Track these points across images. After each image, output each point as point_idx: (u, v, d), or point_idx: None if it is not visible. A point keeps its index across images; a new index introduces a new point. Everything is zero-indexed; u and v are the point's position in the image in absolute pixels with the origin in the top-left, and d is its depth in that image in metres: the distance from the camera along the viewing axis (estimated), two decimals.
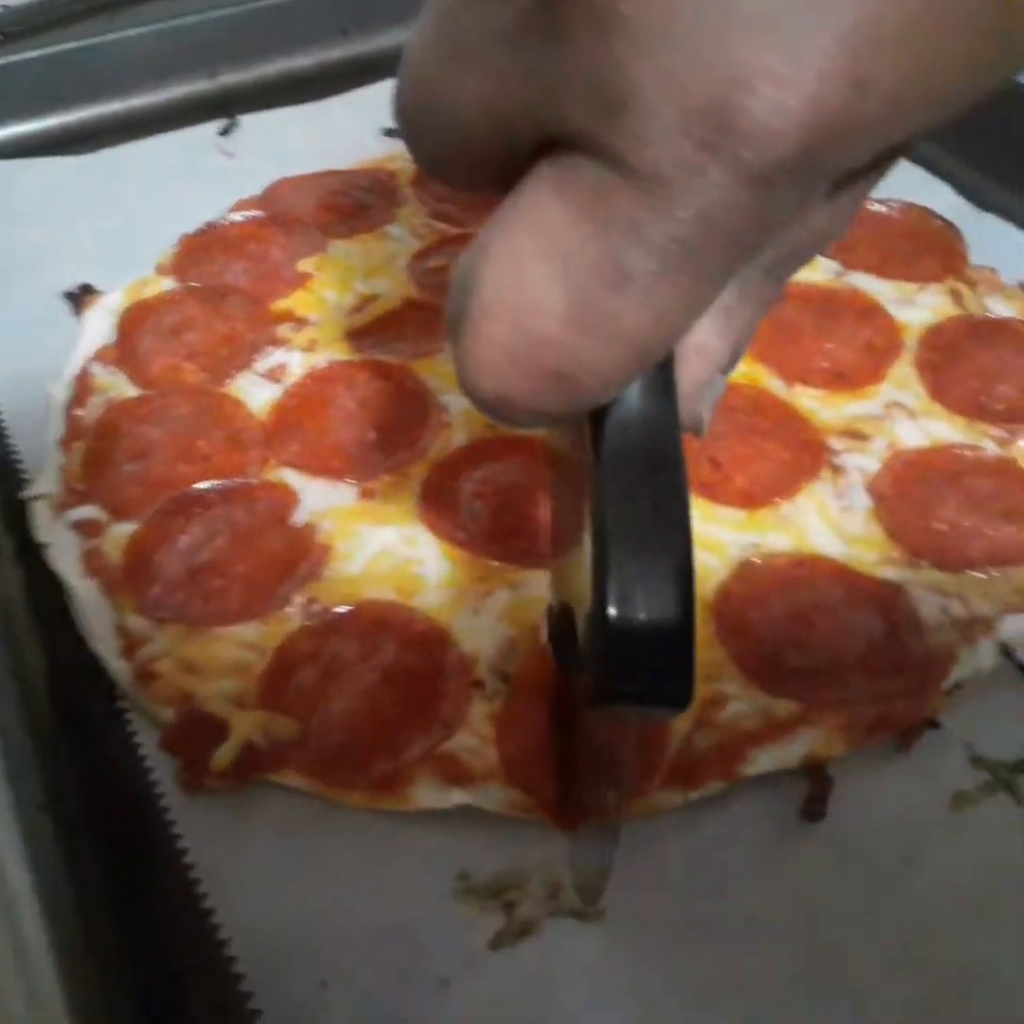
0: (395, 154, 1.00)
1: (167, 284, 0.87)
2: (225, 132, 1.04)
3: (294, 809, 0.57)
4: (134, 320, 0.82)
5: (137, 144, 1.03)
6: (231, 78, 1.14)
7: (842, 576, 0.66)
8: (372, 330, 0.81)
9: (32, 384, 0.77)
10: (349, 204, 0.93)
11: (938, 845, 0.56)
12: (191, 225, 0.91)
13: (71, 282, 0.87)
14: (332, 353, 0.80)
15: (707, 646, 0.62)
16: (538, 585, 0.66)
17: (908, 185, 0.96)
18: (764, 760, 0.58)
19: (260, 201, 0.94)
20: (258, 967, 0.50)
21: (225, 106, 1.08)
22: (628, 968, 0.52)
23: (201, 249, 0.89)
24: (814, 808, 0.57)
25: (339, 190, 0.94)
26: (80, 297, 0.86)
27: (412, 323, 0.82)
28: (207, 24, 1.11)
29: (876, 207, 0.92)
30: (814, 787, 0.58)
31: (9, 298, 0.86)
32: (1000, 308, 0.84)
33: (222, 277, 0.87)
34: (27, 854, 0.48)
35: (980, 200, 0.94)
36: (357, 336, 0.81)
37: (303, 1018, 0.49)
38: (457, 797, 0.56)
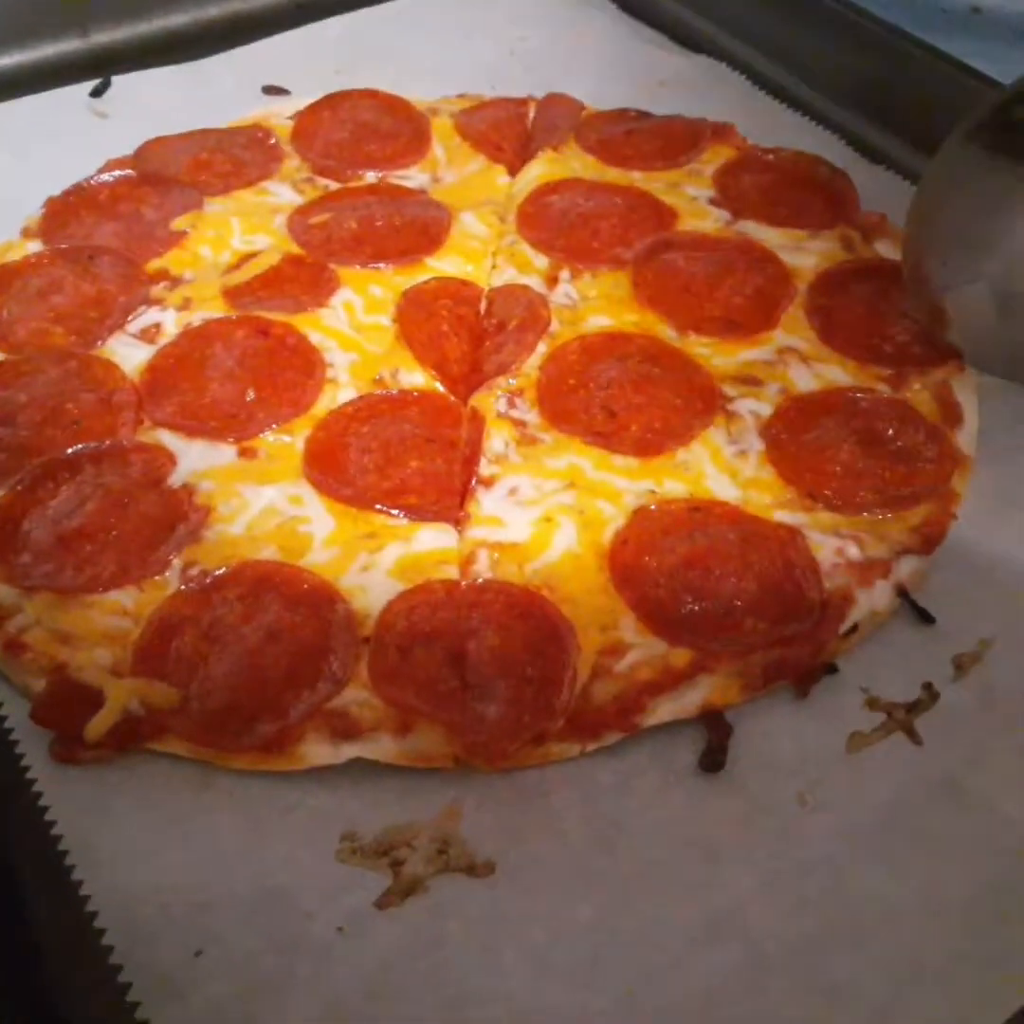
0: (273, 111, 0.98)
1: (33, 247, 0.84)
2: (97, 92, 1.01)
3: (172, 777, 0.55)
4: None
5: (4, 105, 0.99)
6: (104, 37, 1.10)
7: (737, 520, 0.67)
8: (251, 287, 0.80)
9: None
10: (225, 161, 0.91)
11: (834, 786, 0.57)
12: (60, 188, 0.88)
13: None
14: (209, 311, 0.78)
15: (603, 593, 0.63)
16: (428, 540, 0.65)
17: (799, 135, 0.98)
18: (663, 710, 0.58)
19: (132, 160, 0.92)
20: (129, 938, 0.49)
21: (98, 66, 1.05)
22: (519, 923, 0.52)
23: (69, 211, 0.86)
24: (713, 758, 0.58)
25: (215, 147, 0.92)
26: None
27: (293, 279, 0.81)
28: None
29: (766, 156, 0.94)
30: (713, 736, 0.58)
31: None
32: (891, 253, 0.86)
33: (92, 239, 0.84)
34: None
35: (871, 152, 0.97)
36: (235, 294, 0.79)
37: (176, 988, 0.48)
38: (348, 751, 0.55)
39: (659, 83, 1.05)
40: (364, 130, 0.95)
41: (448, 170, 0.94)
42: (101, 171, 0.90)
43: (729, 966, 0.50)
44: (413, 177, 0.92)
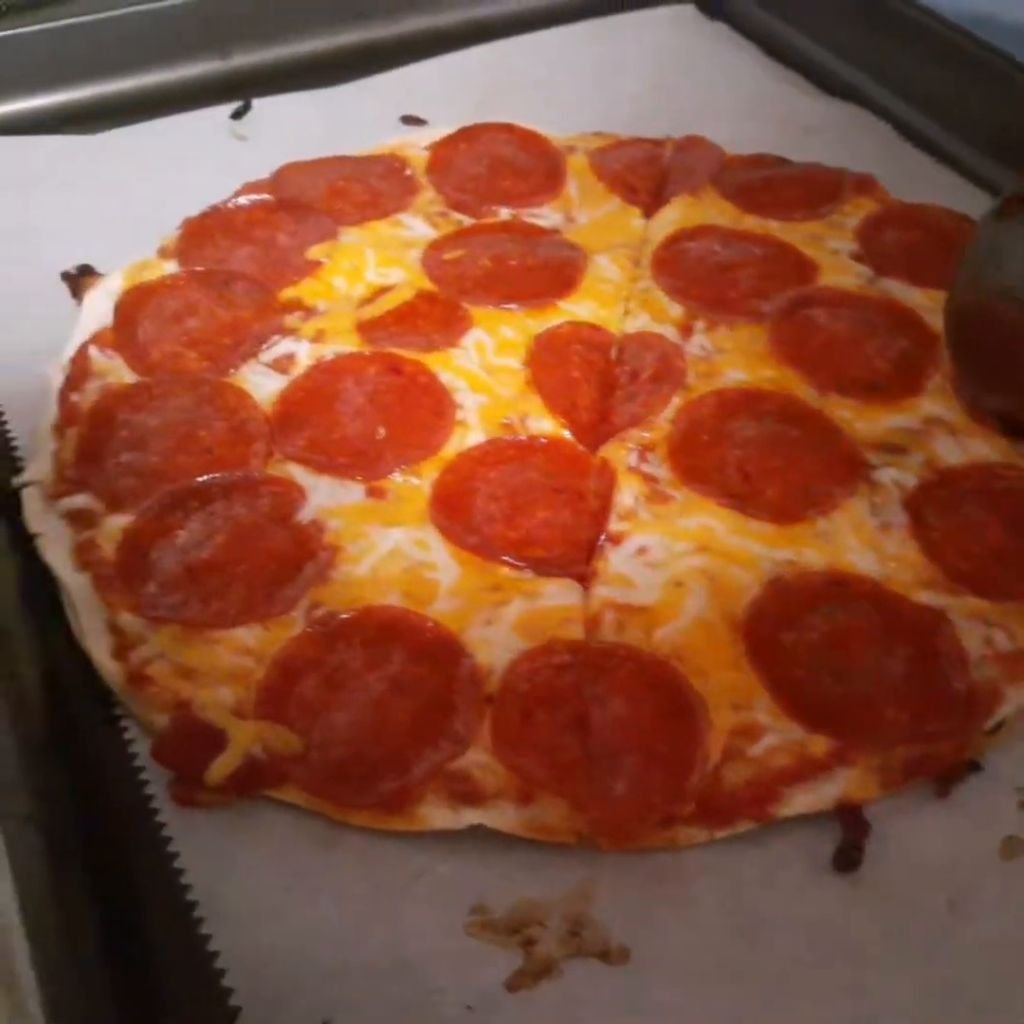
0: (410, 141, 0.98)
1: (169, 268, 0.85)
2: (237, 115, 1.03)
3: (298, 829, 0.54)
4: (134, 304, 0.80)
5: (146, 124, 1.01)
6: (244, 60, 1.12)
7: (879, 598, 0.64)
8: (384, 322, 0.79)
9: (29, 365, 0.75)
10: (362, 191, 0.91)
11: (988, 892, 0.54)
12: (198, 209, 0.89)
13: (71, 262, 0.85)
14: (341, 345, 0.78)
15: (736, 669, 0.60)
16: (553, 596, 0.64)
17: (943, 187, 0.95)
18: (797, 801, 0.56)
19: (268, 185, 0.93)
20: (256, 1000, 0.48)
21: (237, 88, 1.07)
22: (655, 1015, 0.49)
23: (205, 233, 0.87)
24: (849, 856, 0.55)
25: (352, 176, 0.93)
26: (78, 279, 0.84)
27: (425, 316, 0.80)
28: (220, 3, 1.09)
29: (910, 212, 0.91)
30: (849, 833, 0.55)
31: (8, 276, 0.84)
32: None
33: (227, 263, 0.85)
34: (12, 870, 0.46)
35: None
36: (368, 328, 0.79)
37: None
38: (469, 817, 0.54)
39: (800, 129, 1.03)
40: (499, 165, 0.95)
41: (581, 210, 0.92)
42: (238, 194, 0.91)
43: None
44: (547, 216, 0.91)
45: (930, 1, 1.07)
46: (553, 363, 0.77)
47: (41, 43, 1.04)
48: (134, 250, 0.85)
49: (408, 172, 0.94)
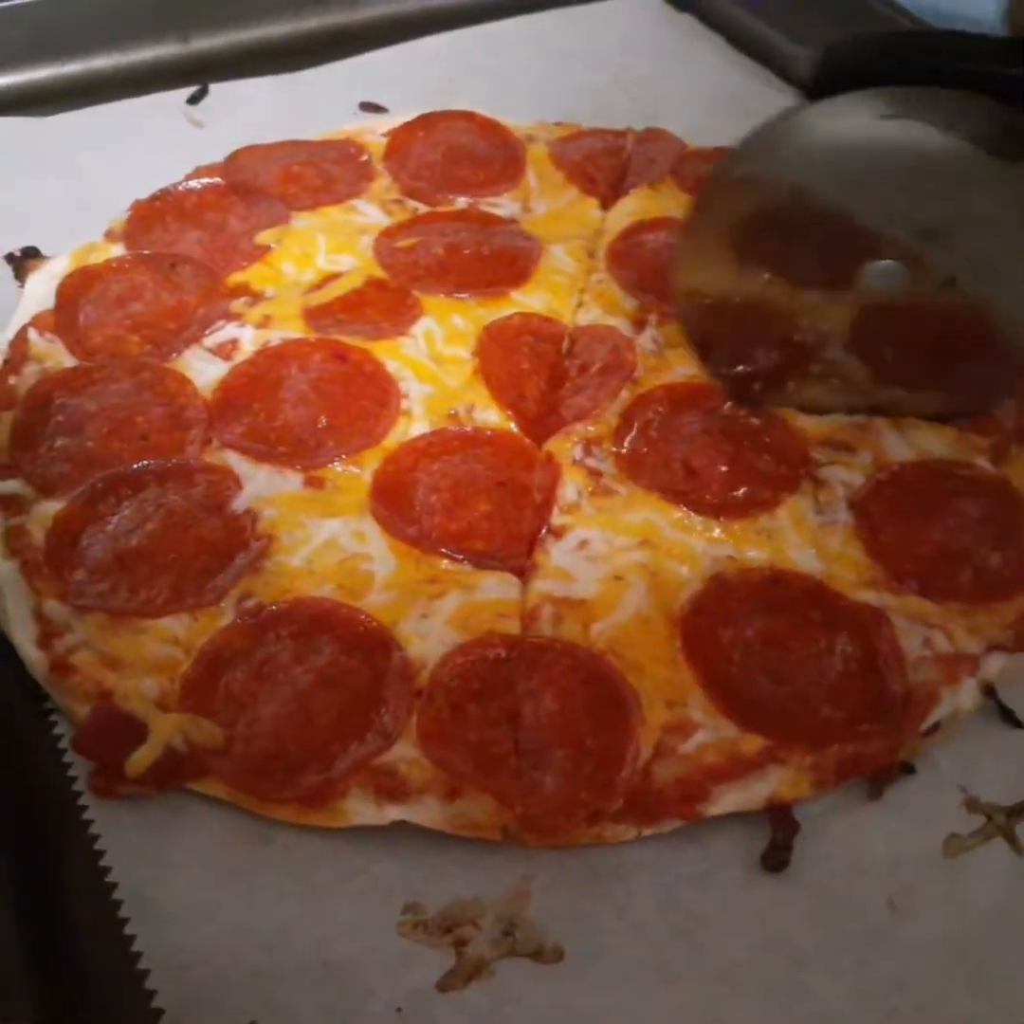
0: (367, 127, 0.97)
1: (116, 251, 0.83)
2: (194, 100, 1.01)
3: (229, 825, 0.54)
4: (77, 287, 0.79)
5: (100, 108, 1.00)
6: (203, 43, 1.10)
7: (821, 597, 0.64)
8: (332, 309, 0.78)
9: None
10: (316, 175, 0.90)
11: (929, 890, 0.54)
12: (150, 193, 0.87)
13: (17, 245, 0.83)
14: (287, 331, 0.77)
15: (671, 665, 0.60)
16: (491, 589, 0.63)
17: None
18: (727, 800, 0.55)
19: (221, 169, 0.91)
20: (181, 1001, 0.47)
21: (196, 73, 1.05)
22: (587, 1016, 0.49)
23: (154, 216, 0.86)
24: (777, 856, 0.55)
25: (306, 161, 0.92)
26: (22, 261, 0.83)
27: (375, 304, 0.79)
28: None
29: None
30: (778, 833, 0.55)
31: None
32: None
33: (175, 246, 0.84)
34: None
35: None
36: (316, 314, 0.78)
37: None
38: (393, 813, 0.53)
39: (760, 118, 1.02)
40: (458, 153, 0.94)
41: (540, 200, 0.92)
42: (190, 177, 0.90)
43: None
44: (504, 205, 0.91)
45: None
46: (502, 354, 0.77)
47: None
48: (83, 234, 0.84)
49: (364, 158, 0.93)
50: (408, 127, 0.96)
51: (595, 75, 1.07)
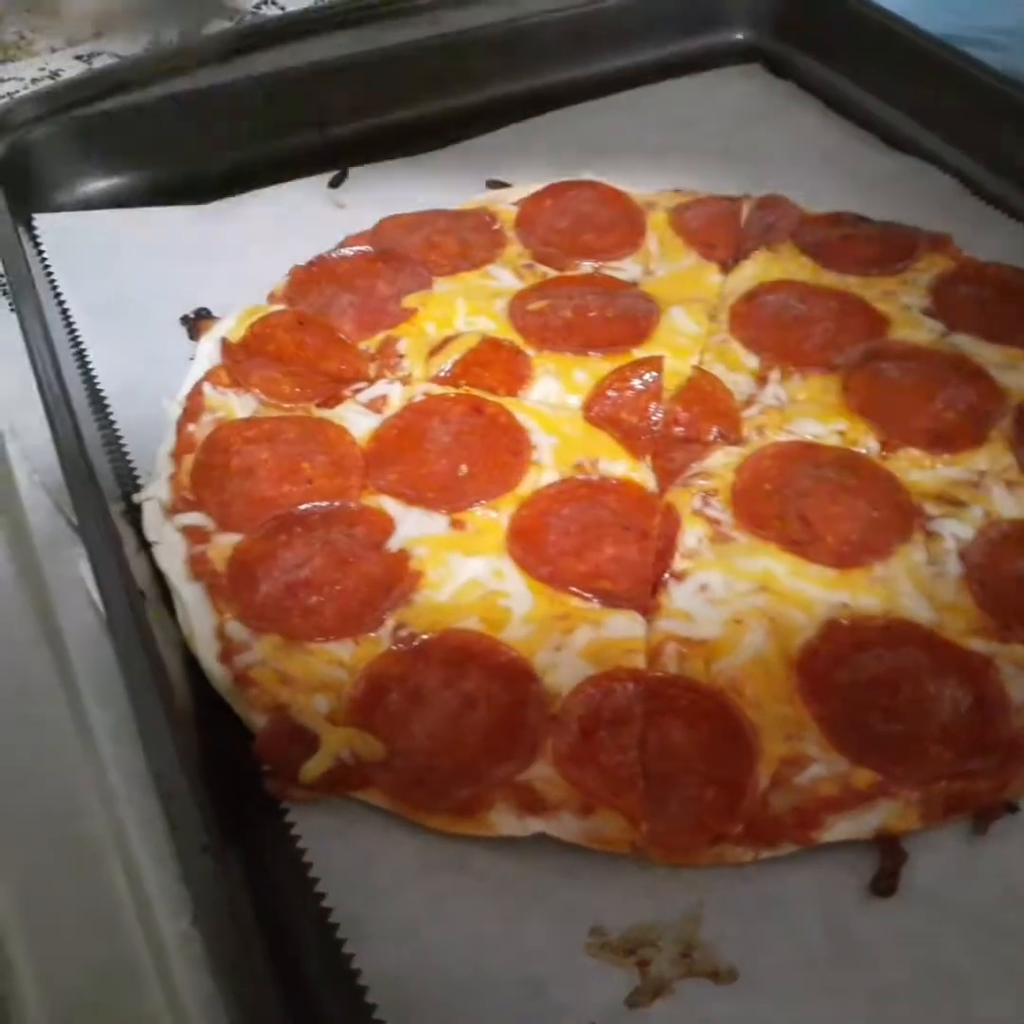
0: (499, 196, 1.06)
1: (277, 310, 0.93)
2: (335, 183, 1.10)
3: (428, 854, 0.60)
4: (244, 345, 0.89)
5: (251, 194, 1.09)
6: (339, 129, 1.19)
7: (931, 643, 0.68)
8: (454, 374, 0.86)
9: (149, 401, 0.85)
10: (454, 243, 0.99)
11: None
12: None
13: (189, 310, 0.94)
14: (430, 386, 0.85)
15: (788, 703, 0.65)
16: (618, 626, 0.69)
17: (1010, 241, 0.99)
18: (839, 829, 0.60)
19: (369, 237, 1.01)
20: (397, 1011, 0.53)
21: (332, 159, 1.14)
22: None
23: (311, 281, 0.96)
24: (885, 882, 0.59)
25: (445, 229, 1.01)
26: (196, 322, 0.93)
27: (498, 362, 0.87)
28: (317, 78, 1.16)
29: (983, 269, 0.95)
30: (886, 861, 0.60)
31: (132, 329, 0.93)
32: None
33: (330, 308, 0.93)
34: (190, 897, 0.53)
35: None
36: (452, 372, 0.86)
37: None
38: (533, 825, 0.60)
39: (869, 183, 1.07)
40: (583, 220, 1.02)
41: (661, 264, 0.98)
42: (341, 246, 1.00)
43: None
44: (627, 269, 0.98)
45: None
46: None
47: (148, 117, 1.12)
48: (245, 300, 0.93)
49: (497, 226, 1.01)
50: (537, 197, 1.05)
51: (706, 143, 1.13)
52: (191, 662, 0.68)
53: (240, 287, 0.96)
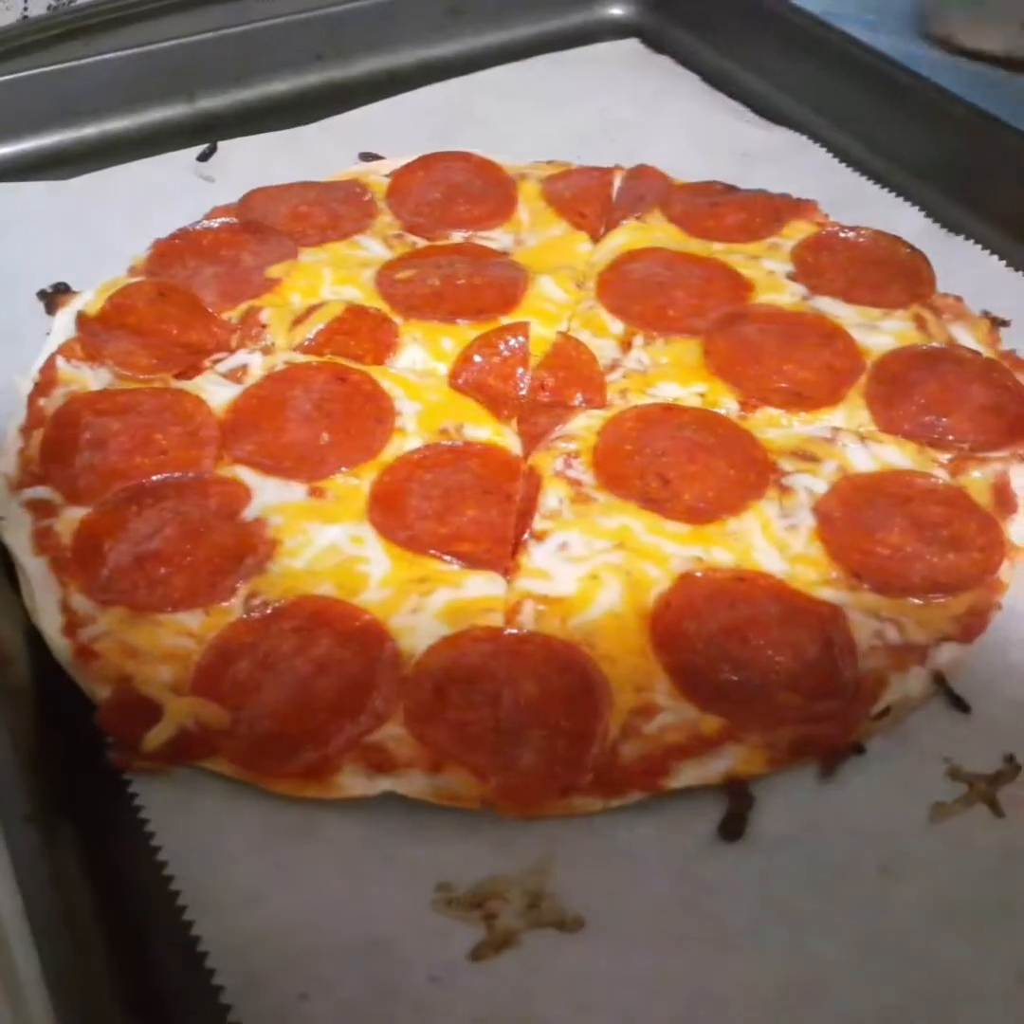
0: (371, 168, 1.05)
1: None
2: (204, 157, 1.09)
3: (275, 821, 0.59)
4: (101, 318, 0.87)
5: (116, 169, 1.07)
6: (209, 103, 1.18)
7: (781, 593, 0.70)
8: (318, 342, 0.85)
9: (1, 377, 0.82)
10: (323, 214, 0.98)
11: (917, 855, 0.59)
12: None
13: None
14: (292, 356, 0.85)
15: (640, 655, 0.66)
16: (477, 587, 0.70)
17: (878, 209, 1.01)
18: (686, 775, 0.61)
19: (236, 209, 0.99)
20: (238, 979, 0.53)
21: (203, 131, 1.13)
22: (608, 979, 0.54)
23: (174, 253, 0.94)
24: (732, 827, 0.60)
25: (314, 200, 1.00)
26: (54, 296, 0.91)
27: (364, 330, 0.86)
28: (185, 49, 1.16)
29: (846, 234, 0.97)
30: (733, 805, 0.61)
31: None
32: (964, 336, 0.88)
33: (193, 280, 0.92)
34: (14, 867, 0.52)
35: (950, 225, 1.00)
36: (316, 341, 0.85)
37: None
38: (382, 784, 0.60)
39: (742, 154, 1.09)
40: (455, 191, 1.02)
41: (531, 233, 0.99)
42: (207, 217, 0.99)
43: None
44: (498, 238, 0.98)
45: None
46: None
47: (10, 94, 1.10)
48: (105, 274, 0.92)
49: (367, 197, 1.01)
50: (409, 168, 1.04)
51: (581, 117, 1.14)
52: (35, 638, 0.67)
53: (103, 263, 0.94)
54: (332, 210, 0.99)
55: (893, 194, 1.04)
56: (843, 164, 1.09)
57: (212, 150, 1.09)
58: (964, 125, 1.05)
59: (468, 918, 0.56)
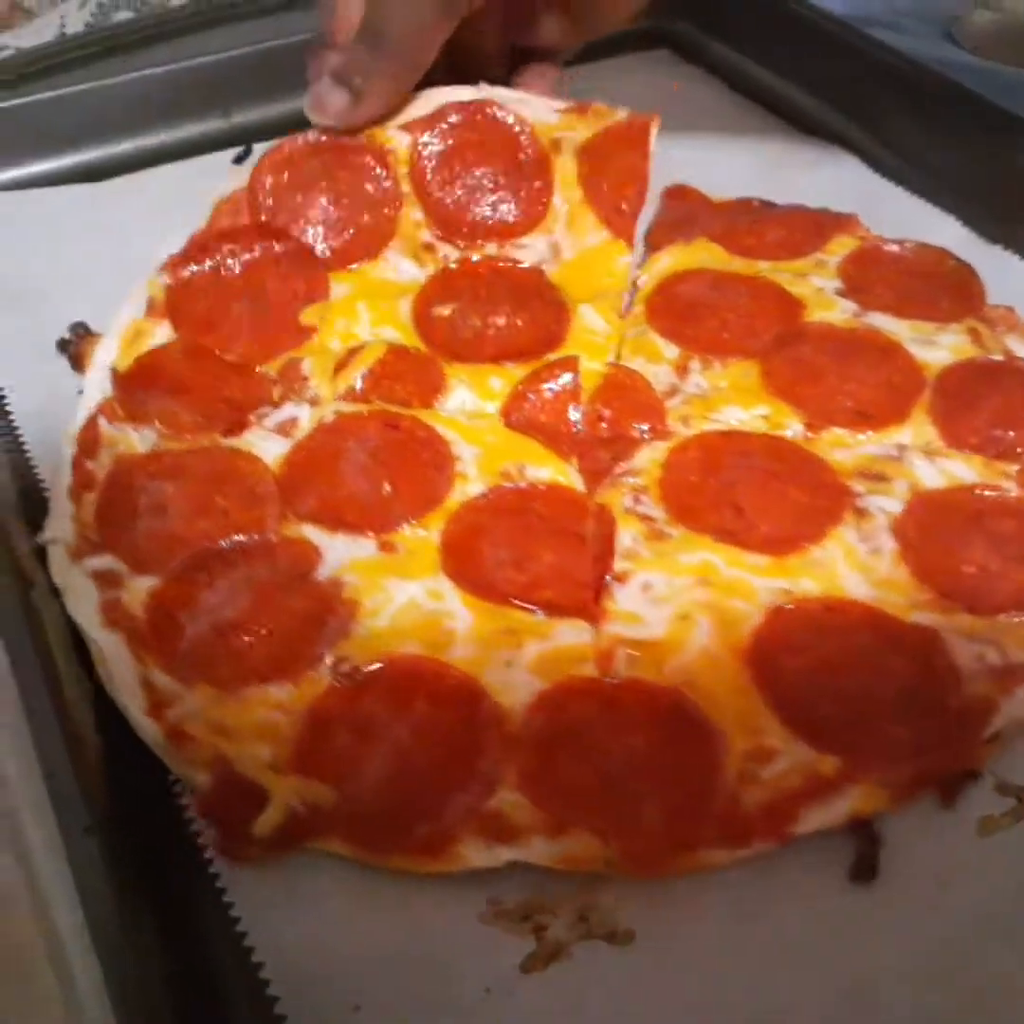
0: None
1: (162, 332, 0.87)
2: (240, 160, 1.07)
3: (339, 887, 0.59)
4: (137, 378, 0.84)
5: (149, 172, 1.08)
6: (244, 118, 1.19)
7: (873, 620, 0.69)
8: (378, 380, 0.84)
9: (47, 417, 0.82)
10: (343, 213, 0.94)
11: (967, 868, 0.60)
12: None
13: (70, 311, 0.90)
14: (340, 406, 0.83)
15: (744, 695, 0.65)
16: (565, 635, 0.68)
17: (915, 218, 1.02)
18: (812, 819, 0.60)
19: (246, 196, 0.94)
20: (293, 991, 0.53)
21: (238, 144, 1.11)
22: (657, 992, 0.55)
23: (190, 285, 0.89)
24: (864, 868, 0.60)
25: (331, 193, 0.94)
26: (76, 345, 0.88)
27: (409, 373, 0.85)
28: (221, 64, 1.16)
29: (890, 247, 0.97)
30: (863, 846, 0.60)
31: (22, 329, 0.90)
32: (1020, 347, 0.88)
33: (219, 322, 0.87)
34: (76, 886, 0.52)
35: (987, 234, 1.01)
36: (350, 396, 0.83)
37: None
38: (504, 854, 0.58)
39: (773, 164, 1.09)
40: (483, 172, 0.97)
41: (567, 236, 0.96)
42: (216, 212, 0.93)
43: None
44: (532, 246, 0.96)
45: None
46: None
47: (48, 111, 1.11)
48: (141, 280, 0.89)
49: (388, 183, 0.95)
50: (425, 127, 0.96)
51: None
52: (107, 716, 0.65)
53: (136, 267, 0.91)
54: (354, 202, 0.94)
55: (929, 203, 1.05)
56: (876, 173, 1.09)
57: (247, 152, 1.07)
58: (998, 130, 1.05)
59: (518, 930, 0.57)
